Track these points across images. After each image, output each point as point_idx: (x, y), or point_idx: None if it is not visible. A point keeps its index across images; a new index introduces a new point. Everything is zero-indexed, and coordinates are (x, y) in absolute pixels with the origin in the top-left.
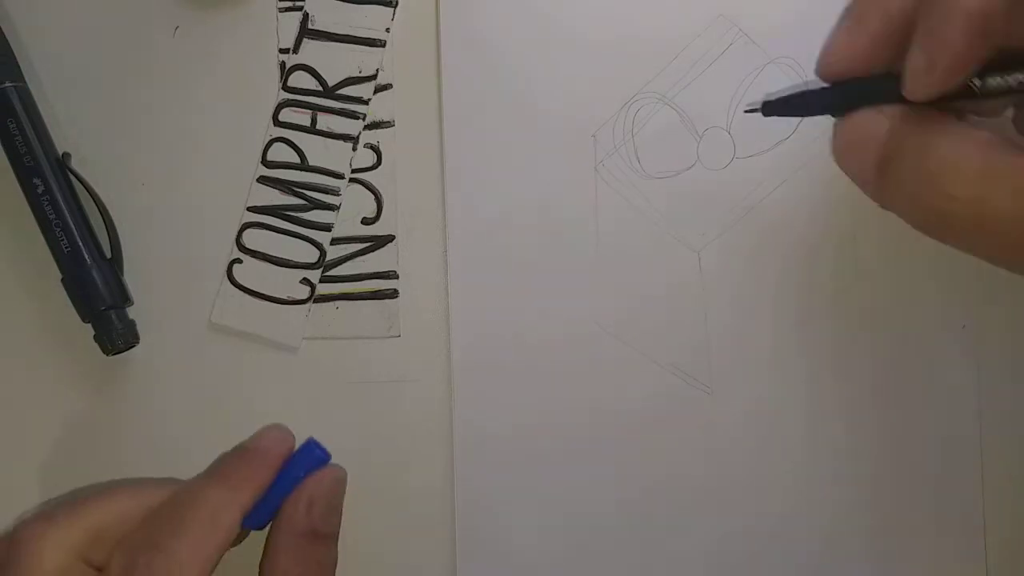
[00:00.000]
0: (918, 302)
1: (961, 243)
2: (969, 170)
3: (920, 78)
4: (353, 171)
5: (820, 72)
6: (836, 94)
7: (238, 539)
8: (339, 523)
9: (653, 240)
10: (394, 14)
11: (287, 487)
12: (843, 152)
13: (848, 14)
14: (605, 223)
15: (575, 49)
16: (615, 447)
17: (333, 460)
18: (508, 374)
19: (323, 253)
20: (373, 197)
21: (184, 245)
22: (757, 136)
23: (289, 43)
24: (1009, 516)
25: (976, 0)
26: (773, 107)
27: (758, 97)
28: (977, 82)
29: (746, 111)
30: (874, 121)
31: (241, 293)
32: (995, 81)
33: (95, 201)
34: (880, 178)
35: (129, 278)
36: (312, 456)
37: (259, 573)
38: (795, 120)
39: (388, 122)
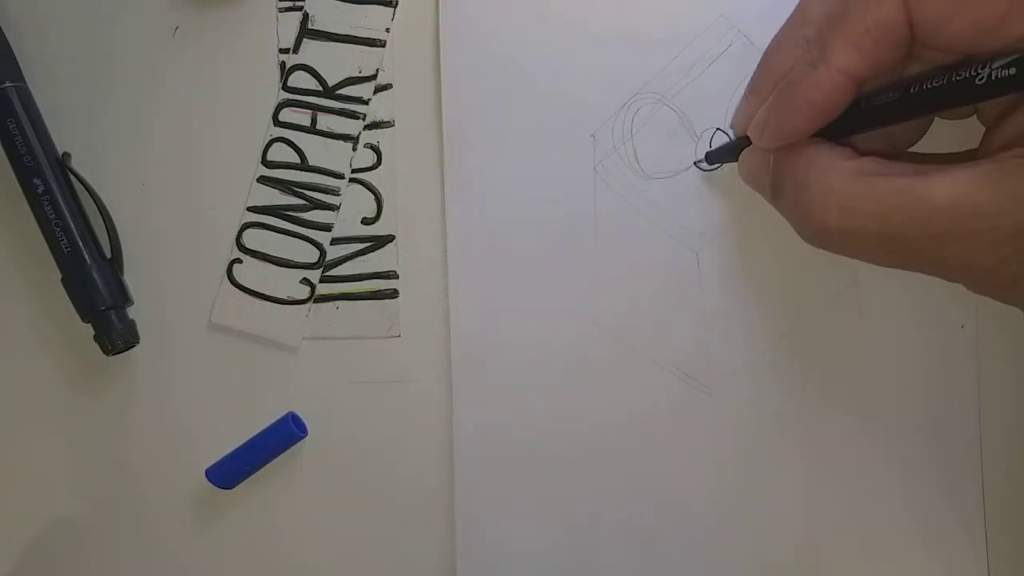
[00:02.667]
0: (918, 302)
1: (844, 255)
2: (832, 204)
3: (757, 131)
4: (353, 171)
5: (733, 133)
6: (740, 145)
7: None
8: None
9: (652, 240)
10: (394, 14)
11: (262, 456)
12: (744, 177)
13: (749, 86)
14: (604, 223)
15: (574, 49)
16: (615, 447)
17: (333, 460)
18: (508, 374)
19: (323, 253)
20: (373, 197)
21: (184, 245)
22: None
23: (289, 43)
24: (1010, 516)
25: (817, 94)
26: (714, 157)
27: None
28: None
29: (695, 164)
30: (759, 156)
31: (241, 293)
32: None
33: (95, 201)
34: (775, 204)
35: (129, 278)
36: (289, 430)
37: None
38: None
39: (388, 122)
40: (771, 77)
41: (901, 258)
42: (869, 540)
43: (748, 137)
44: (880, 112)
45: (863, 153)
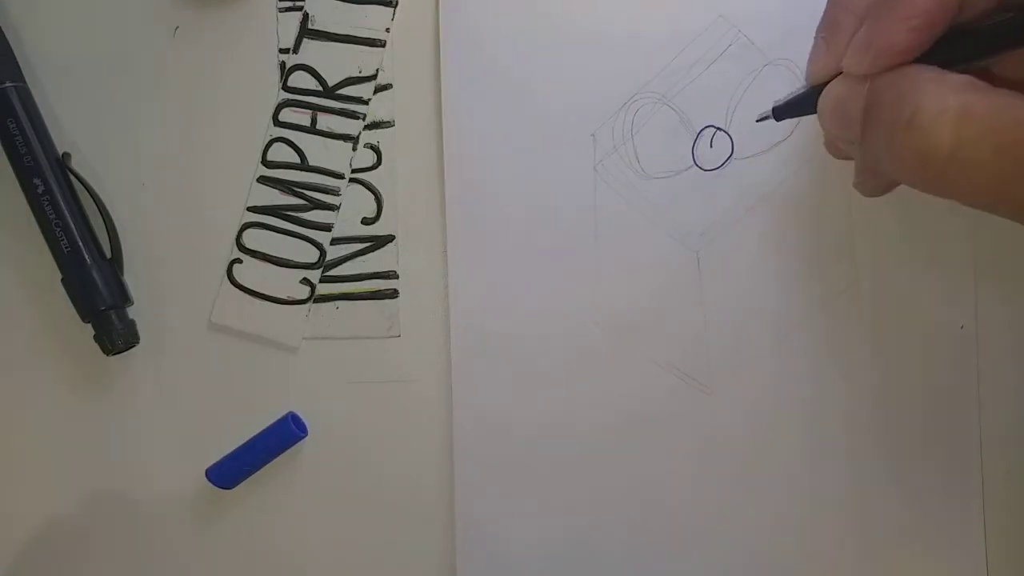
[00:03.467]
0: (918, 302)
1: (942, 188)
2: (947, 112)
3: (858, 55)
4: (353, 171)
5: (808, 82)
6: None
7: None
8: None
9: (652, 240)
10: (394, 14)
11: (262, 456)
12: (829, 113)
13: (822, 26)
14: (604, 223)
15: (574, 49)
16: (615, 447)
17: (333, 460)
18: (508, 374)
19: (323, 253)
20: (373, 197)
21: (184, 245)
22: (756, 137)
23: (289, 43)
24: (1009, 516)
25: (923, 3)
26: (783, 111)
27: (757, 99)
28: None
29: (759, 120)
30: (856, 82)
31: (241, 293)
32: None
33: (95, 201)
34: (864, 134)
35: (129, 278)
36: (289, 430)
37: None
38: (795, 120)
39: (388, 122)
40: (852, 6)
41: (1013, 186)
42: (869, 540)
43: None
44: (989, 36)
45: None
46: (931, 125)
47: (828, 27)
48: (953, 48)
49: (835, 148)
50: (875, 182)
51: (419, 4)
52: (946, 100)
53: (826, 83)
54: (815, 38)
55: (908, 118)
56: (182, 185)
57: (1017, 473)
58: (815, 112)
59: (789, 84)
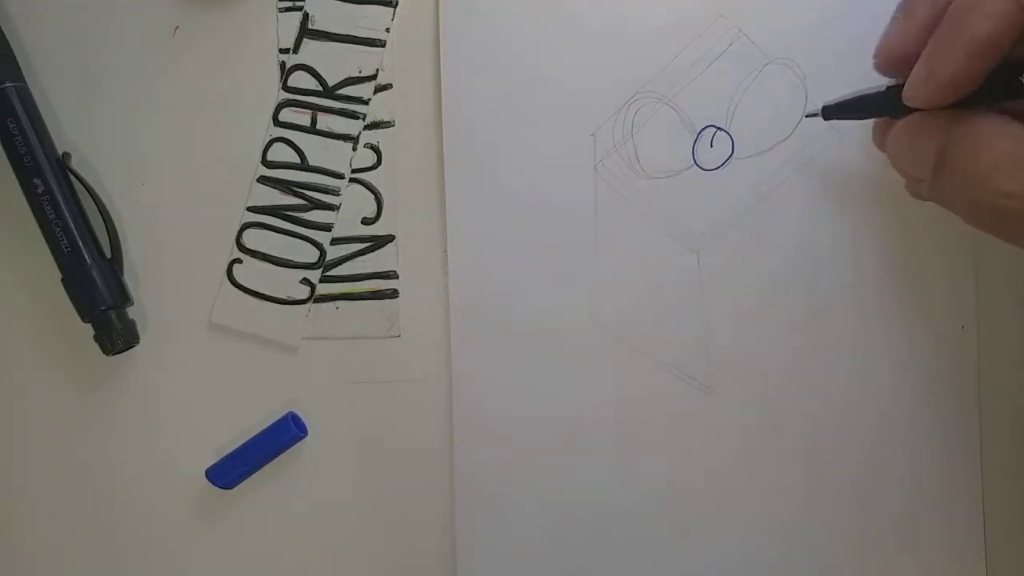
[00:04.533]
0: (918, 302)
1: (1017, 238)
2: (1021, 168)
3: (919, 87)
4: (353, 171)
5: (878, 62)
6: (894, 95)
7: None
8: None
9: (652, 240)
10: (394, 14)
11: (262, 456)
12: (900, 154)
13: (900, 7)
14: (604, 223)
15: (574, 49)
16: (615, 447)
17: (333, 460)
18: (508, 374)
19: (323, 253)
20: (373, 197)
21: (184, 245)
22: (756, 136)
23: (289, 43)
24: (1010, 516)
25: (985, 26)
26: (833, 111)
27: (758, 99)
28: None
29: (807, 116)
30: (930, 122)
31: (241, 293)
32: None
33: (95, 201)
34: (936, 178)
35: (129, 278)
36: (289, 430)
37: None
38: (794, 120)
39: (388, 122)
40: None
41: None
42: (868, 539)
43: (892, 97)
44: None
45: None
46: (1006, 181)
47: (905, 7)
48: (1006, 84)
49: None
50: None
51: (419, 4)
52: (1020, 155)
53: (887, 71)
54: (892, 16)
55: (984, 172)
56: (182, 185)
57: (1017, 473)
58: (867, 118)
59: (789, 84)
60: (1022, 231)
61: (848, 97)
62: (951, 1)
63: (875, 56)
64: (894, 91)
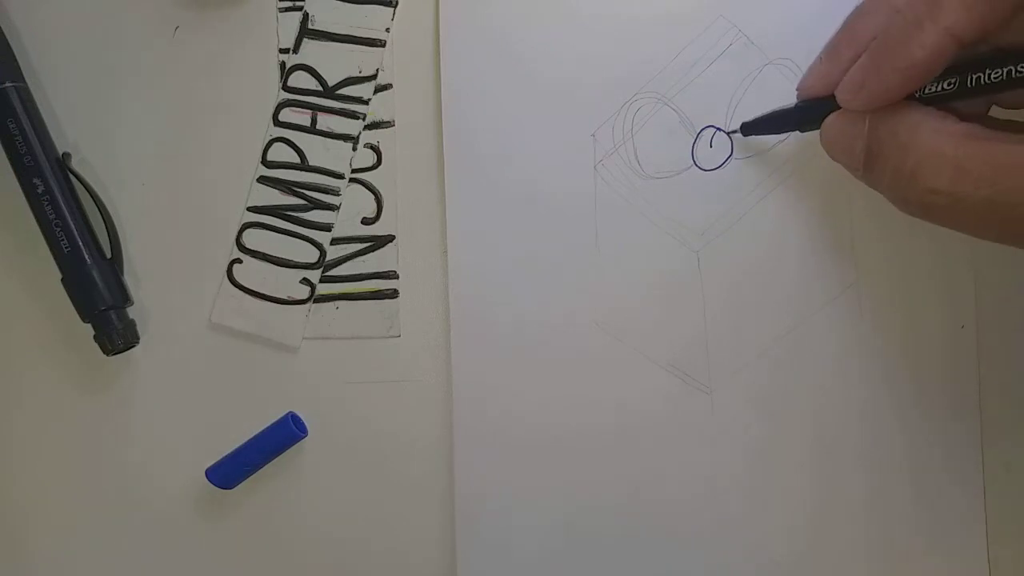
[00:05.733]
0: (918, 302)
1: (946, 226)
2: (945, 166)
3: (850, 92)
4: (353, 171)
5: (799, 95)
6: (804, 111)
7: None
8: None
9: (652, 240)
10: (394, 14)
11: (262, 456)
12: (832, 147)
13: (826, 48)
14: (604, 223)
15: (574, 49)
16: (614, 446)
17: (333, 460)
18: (508, 374)
19: (323, 253)
20: (373, 197)
21: (184, 245)
22: (756, 137)
23: (289, 43)
24: (1010, 516)
25: (920, 53)
26: (751, 127)
27: (757, 99)
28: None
29: (729, 133)
30: (857, 120)
31: (241, 293)
32: (933, 90)
33: (95, 201)
34: (866, 172)
35: (129, 278)
36: (289, 430)
37: None
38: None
39: (388, 122)
40: (855, 40)
41: (1009, 227)
42: (869, 539)
43: (821, 99)
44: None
45: (963, 118)
46: (931, 178)
47: (830, 51)
48: (950, 85)
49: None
50: None
51: (419, 4)
52: (944, 153)
53: (808, 101)
54: (817, 57)
55: (910, 170)
56: (182, 185)
57: (1017, 473)
58: (784, 132)
59: (789, 84)
60: (952, 222)
61: (763, 115)
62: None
63: (800, 90)
64: (804, 107)
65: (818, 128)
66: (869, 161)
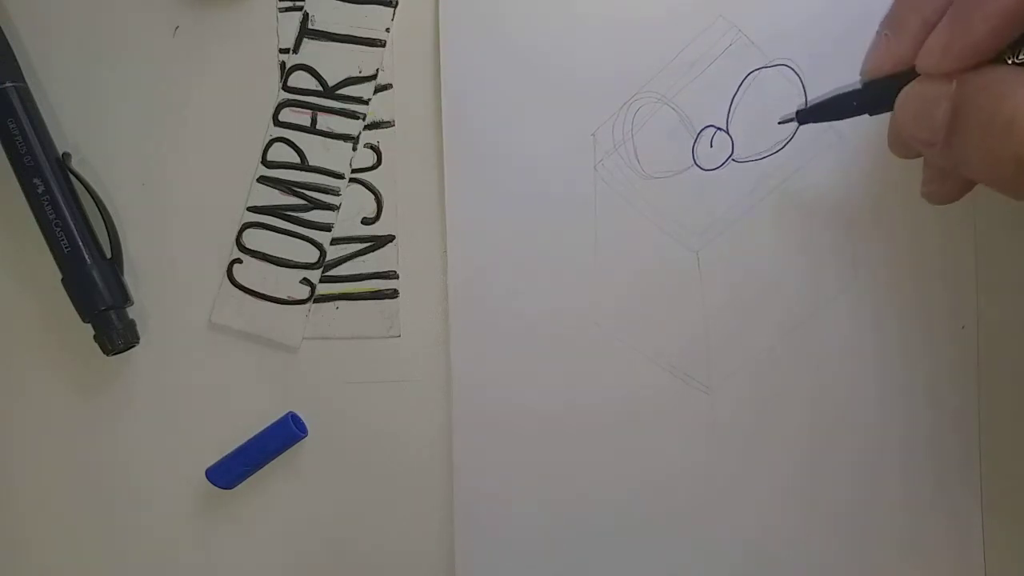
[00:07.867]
0: (918, 302)
1: None
2: None
3: (934, 55)
4: (353, 171)
5: (865, 76)
6: (873, 90)
7: None
8: None
9: (652, 240)
10: (394, 14)
11: (262, 456)
12: (911, 119)
13: (887, 22)
14: (604, 222)
15: (574, 48)
16: (614, 446)
17: (333, 460)
18: (508, 373)
19: (323, 253)
20: (373, 197)
21: (184, 245)
22: (756, 137)
23: (289, 43)
24: (1009, 516)
25: (1005, 2)
26: (808, 114)
27: (757, 99)
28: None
29: (780, 122)
30: (940, 84)
31: (241, 293)
32: None
33: (95, 201)
34: (950, 137)
35: (129, 278)
36: (289, 430)
37: None
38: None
39: (388, 122)
40: (919, 5)
41: None
42: (867, 539)
43: (891, 76)
44: None
45: None
46: None
47: (893, 24)
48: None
49: (905, 148)
50: (950, 187)
51: (419, 4)
52: None
53: (877, 80)
54: (877, 34)
55: (1006, 123)
56: (182, 185)
57: (1016, 473)
58: (845, 117)
59: (789, 84)
60: None
61: (823, 98)
62: (938, 12)
63: (861, 75)
64: (873, 85)
65: (890, 109)
66: (954, 123)
